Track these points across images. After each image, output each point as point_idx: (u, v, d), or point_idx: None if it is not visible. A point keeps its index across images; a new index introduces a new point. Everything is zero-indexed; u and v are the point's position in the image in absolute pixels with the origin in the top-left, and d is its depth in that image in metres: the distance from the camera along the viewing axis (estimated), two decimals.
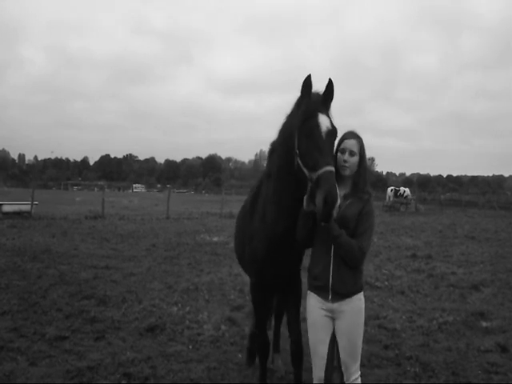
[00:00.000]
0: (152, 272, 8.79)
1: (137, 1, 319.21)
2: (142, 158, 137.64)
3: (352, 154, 2.95)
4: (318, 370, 3.06)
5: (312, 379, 3.13)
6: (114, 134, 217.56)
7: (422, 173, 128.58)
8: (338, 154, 2.97)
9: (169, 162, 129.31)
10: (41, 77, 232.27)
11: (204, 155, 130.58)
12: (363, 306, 3.05)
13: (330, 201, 2.55)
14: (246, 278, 5.53)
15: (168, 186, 59.15)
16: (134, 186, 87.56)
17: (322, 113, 2.85)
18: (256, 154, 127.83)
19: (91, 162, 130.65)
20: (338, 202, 2.61)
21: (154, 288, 7.49)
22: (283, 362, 4.45)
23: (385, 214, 29.30)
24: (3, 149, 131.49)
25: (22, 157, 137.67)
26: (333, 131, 2.85)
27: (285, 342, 4.26)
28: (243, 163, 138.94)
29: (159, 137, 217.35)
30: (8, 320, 5.60)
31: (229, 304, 6.69)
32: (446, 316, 6.23)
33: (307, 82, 2.88)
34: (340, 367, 3.07)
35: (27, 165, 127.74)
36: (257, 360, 4.17)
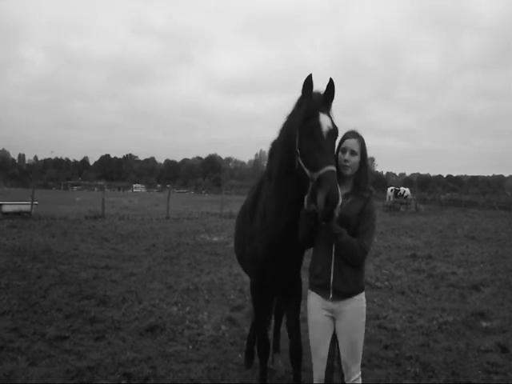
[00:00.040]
0: (152, 272, 8.79)
1: (137, 1, 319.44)
2: (142, 157, 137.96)
3: (353, 153, 2.95)
4: (319, 370, 3.06)
5: (312, 379, 3.13)
6: (114, 134, 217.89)
7: (422, 173, 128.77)
8: (339, 153, 2.97)
9: (169, 162, 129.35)
10: (41, 77, 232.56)
11: (204, 155, 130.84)
12: (364, 306, 3.04)
13: (331, 200, 2.54)
14: (246, 278, 5.53)
15: (168, 186, 59.21)
16: (134, 185, 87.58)
17: (323, 112, 2.84)
18: (256, 154, 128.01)
19: (91, 162, 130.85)
20: (340, 201, 2.60)
21: (154, 288, 7.49)
22: (283, 361, 4.45)
23: (385, 213, 29.30)
24: (3, 149, 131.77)
25: (22, 157, 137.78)
26: (334, 131, 2.84)
27: (285, 342, 4.25)
28: (243, 163, 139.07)
29: (159, 137, 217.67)
30: (8, 320, 5.60)
31: (229, 304, 6.69)
32: (446, 316, 6.23)
33: (308, 82, 2.87)
34: (341, 367, 3.07)
35: (27, 165, 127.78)
36: (256, 360, 4.18)
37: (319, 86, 2.92)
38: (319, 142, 2.74)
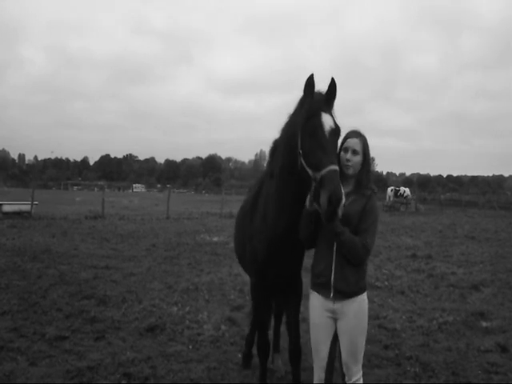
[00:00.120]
0: (152, 272, 8.79)
1: (137, 1, 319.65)
2: (142, 157, 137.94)
3: (355, 152, 2.94)
4: (319, 370, 3.06)
5: (312, 379, 3.13)
6: (114, 134, 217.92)
7: (422, 173, 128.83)
8: (341, 152, 2.96)
9: (169, 162, 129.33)
10: (41, 77, 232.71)
11: (204, 155, 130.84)
12: (366, 307, 3.03)
13: (334, 200, 2.53)
14: (246, 278, 5.53)
15: (168, 186, 59.19)
16: (134, 185, 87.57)
17: (326, 112, 2.83)
18: (256, 154, 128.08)
19: (91, 162, 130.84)
20: (343, 201, 2.58)
21: (154, 288, 7.49)
22: (283, 361, 4.45)
23: (385, 213, 29.27)
24: (3, 149, 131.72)
25: (22, 157, 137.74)
26: (336, 130, 2.83)
27: (285, 342, 4.26)
28: (243, 163, 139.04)
29: (159, 137, 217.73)
30: (8, 320, 5.60)
31: (229, 304, 6.69)
32: (446, 316, 6.23)
33: (310, 82, 2.87)
34: (341, 367, 3.07)
35: (27, 165, 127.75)
36: (254, 360, 4.18)
37: (320, 86, 2.92)
38: (321, 142, 2.73)
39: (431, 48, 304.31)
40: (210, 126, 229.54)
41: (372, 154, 3.05)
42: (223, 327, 5.59)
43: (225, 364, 4.58)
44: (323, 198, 2.57)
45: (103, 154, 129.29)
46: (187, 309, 6.30)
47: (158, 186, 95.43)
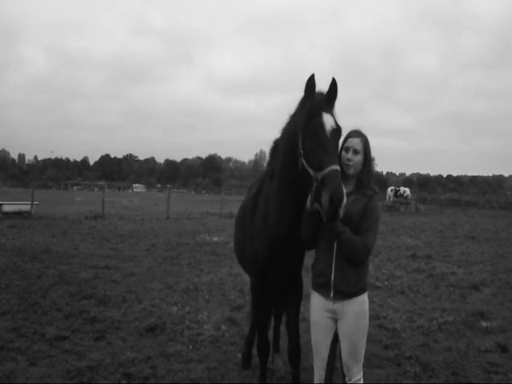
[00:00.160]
0: (152, 272, 8.79)
1: (137, 1, 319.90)
2: (142, 157, 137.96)
3: (356, 152, 2.94)
4: (319, 370, 3.06)
5: (312, 379, 3.13)
6: (114, 134, 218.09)
7: (422, 173, 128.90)
8: (342, 152, 2.96)
9: (169, 162, 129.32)
10: (41, 77, 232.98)
11: (204, 155, 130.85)
12: (367, 307, 3.02)
13: (336, 200, 2.53)
14: (246, 278, 5.53)
15: (168, 185, 59.19)
16: (134, 185, 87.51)
17: (327, 112, 2.83)
18: (256, 154, 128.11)
19: (91, 162, 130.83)
20: (345, 200, 2.58)
21: (154, 288, 7.49)
22: (283, 361, 4.44)
23: (385, 213, 29.27)
24: (3, 149, 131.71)
25: (22, 157, 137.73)
26: (337, 130, 2.83)
27: (285, 342, 4.26)
28: (243, 163, 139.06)
29: (159, 137, 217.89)
30: (8, 320, 5.60)
31: (229, 304, 6.69)
32: (446, 316, 6.23)
33: (311, 82, 2.87)
34: (342, 367, 3.07)
35: (27, 165, 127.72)
36: (254, 360, 4.17)
37: (320, 86, 2.92)
38: (322, 142, 2.73)
39: (431, 48, 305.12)
40: (210, 126, 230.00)
41: (372, 154, 3.05)
42: (223, 327, 5.59)
43: (225, 364, 4.58)
44: (324, 198, 2.57)
45: (103, 154, 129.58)
46: (187, 309, 6.30)
47: (158, 185, 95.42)
